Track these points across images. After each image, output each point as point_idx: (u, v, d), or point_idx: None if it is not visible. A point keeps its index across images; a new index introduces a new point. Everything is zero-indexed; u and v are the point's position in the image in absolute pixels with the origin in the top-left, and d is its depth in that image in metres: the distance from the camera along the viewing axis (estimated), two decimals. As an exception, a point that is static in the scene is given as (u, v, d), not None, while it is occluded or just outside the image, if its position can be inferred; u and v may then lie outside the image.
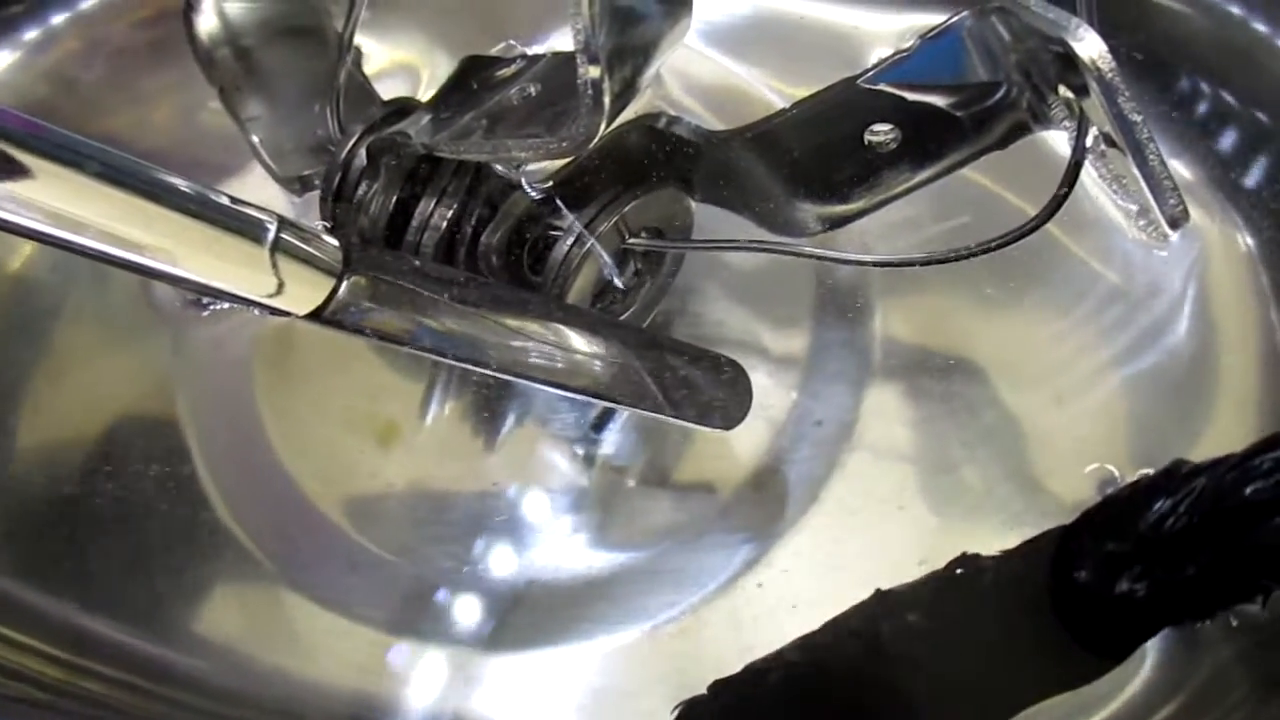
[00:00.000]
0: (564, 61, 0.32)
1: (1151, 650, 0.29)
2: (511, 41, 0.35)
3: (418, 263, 0.29)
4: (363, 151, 0.32)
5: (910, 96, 0.31)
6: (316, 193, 0.33)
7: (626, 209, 0.32)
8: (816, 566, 0.34)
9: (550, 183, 0.31)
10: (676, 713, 0.29)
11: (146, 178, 0.23)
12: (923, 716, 0.26)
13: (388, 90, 0.36)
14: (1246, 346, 0.35)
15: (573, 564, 0.35)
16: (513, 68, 0.33)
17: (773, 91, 0.41)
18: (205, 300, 0.37)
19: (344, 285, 0.28)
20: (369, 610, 0.34)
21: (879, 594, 0.28)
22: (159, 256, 0.23)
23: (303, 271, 0.27)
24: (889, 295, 0.38)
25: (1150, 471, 0.26)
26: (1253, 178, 0.38)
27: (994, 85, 0.30)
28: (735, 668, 0.31)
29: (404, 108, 0.33)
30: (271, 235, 0.25)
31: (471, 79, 0.33)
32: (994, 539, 0.33)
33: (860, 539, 0.35)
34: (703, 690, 0.30)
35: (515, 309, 0.29)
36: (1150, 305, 0.36)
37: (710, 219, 0.35)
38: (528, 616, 0.34)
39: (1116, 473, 0.30)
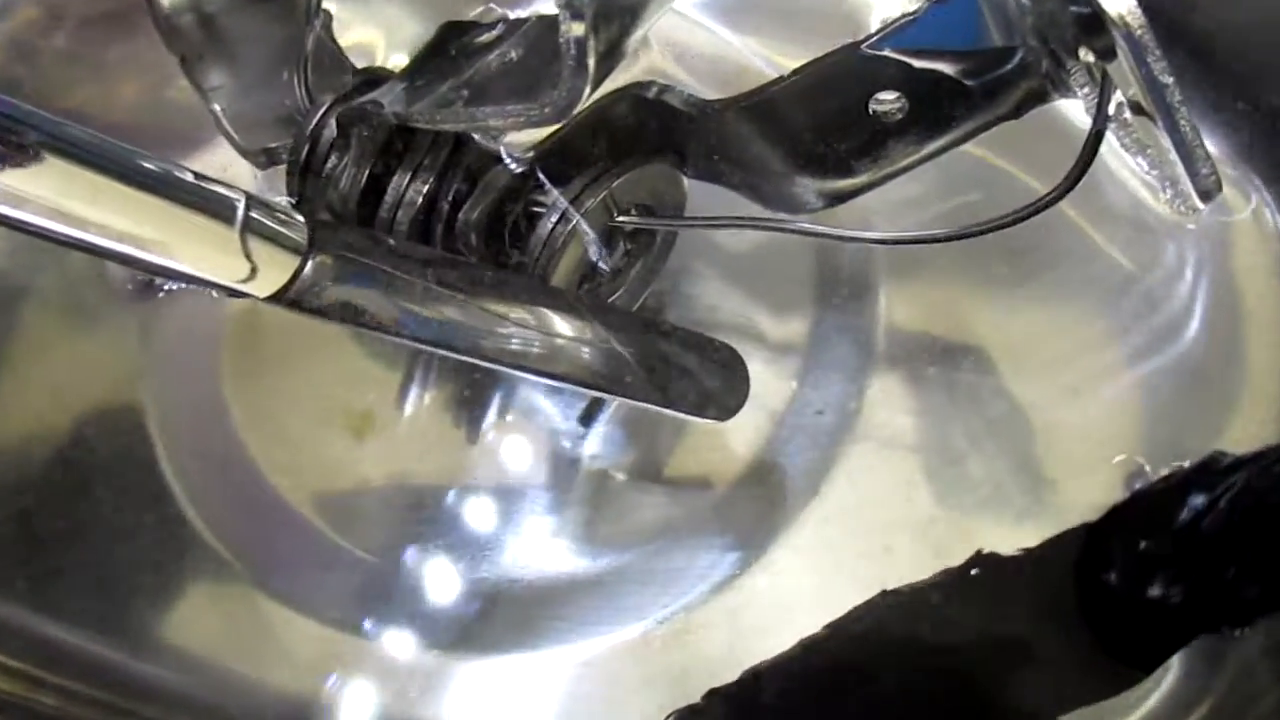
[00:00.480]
0: (548, 25, 0.30)
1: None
2: (492, 5, 0.33)
3: (391, 241, 0.28)
4: (333, 122, 0.31)
5: (918, 63, 0.29)
6: (283, 167, 0.31)
7: (615, 184, 0.30)
8: (816, 565, 0.33)
9: (532, 154, 0.29)
10: (669, 722, 0.27)
11: (105, 152, 0.22)
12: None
13: (360, 58, 0.34)
14: (1277, 335, 0.33)
15: (558, 563, 0.33)
16: (493, 33, 0.31)
17: (769, 62, 0.39)
18: (159, 281, 0.35)
19: (309, 265, 0.26)
20: (342, 612, 0.33)
21: (885, 595, 0.26)
22: (117, 237, 0.22)
23: (270, 251, 0.25)
24: (894, 277, 0.37)
25: (1185, 464, 0.24)
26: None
27: (1008, 51, 0.28)
28: (731, 673, 0.30)
29: (377, 76, 0.32)
30: (240, 214, 0.24)
31: (449, 45, 0.32)
32: (1006, 535, 0.32)
33: (863, 536, 0.33)
34: (697, 699, 0.28)
35: (496, 291, 0.28)
36: (1172, 287, 0.34)
37: (704, 195, 0.33)
38: (510, 618, 0.32)
39: (1147, 467, 0.28)
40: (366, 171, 0.30)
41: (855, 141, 0.30)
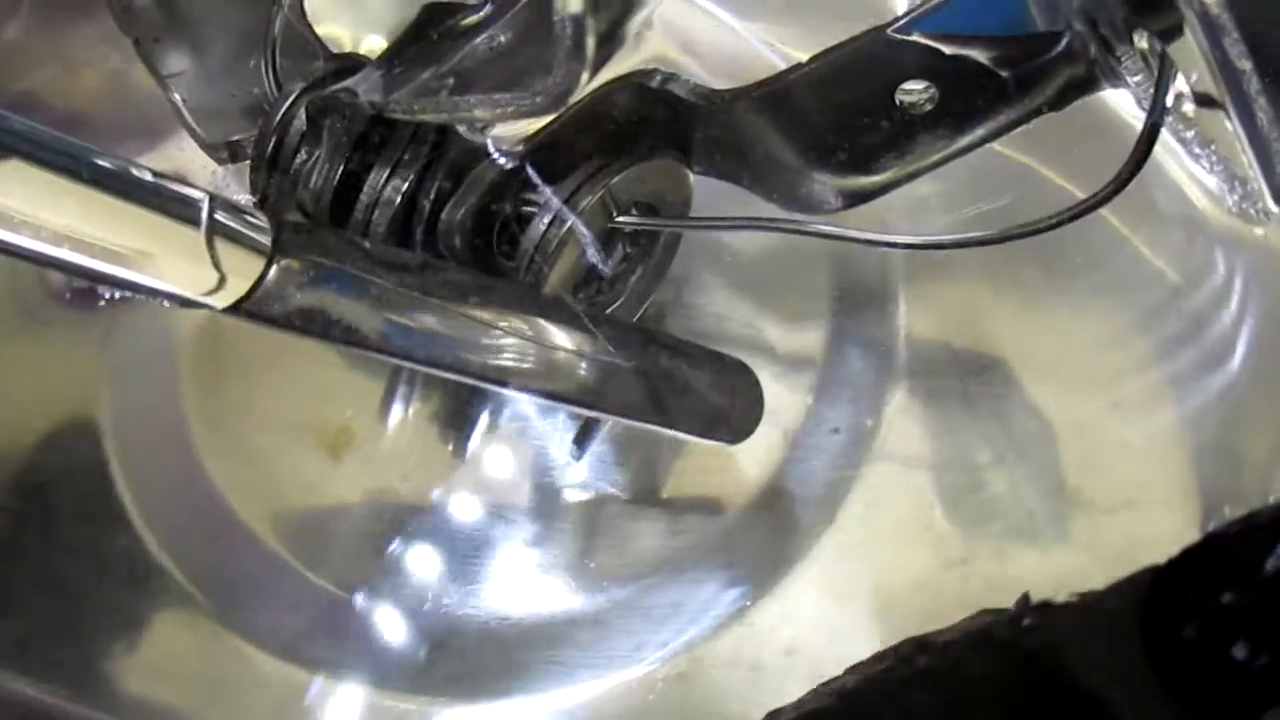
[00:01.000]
0: (541, 6, 0.28)
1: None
2: (479, -19, 0.31)
3: (367, 245, 0.26)
4: (302, 112, 0.28)
5: (949, 49, 0.26)
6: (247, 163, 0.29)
7: (614, 181, 0.28)
8: (832, 599, 0.31)
9: (522, 147, 0.26)
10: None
11: (56, 147, 0.20)
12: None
13: (334, 44, 0.31)
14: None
15: (551, 598, 0.31)
16: (480, 14, 0.29)
17: (780, 52, 0.37)
18: (100, 289, 0.32)
19: (273, 271, 0.24)
20: (311, 651, 0.30)
21: (917, 644, 0.24)
22: (68, 241, 0.20)
23: (237, 257, 0.23)
24: (916, 285, 0.34)
25: (1273, 499, 0.21)
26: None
27: (1053, 36, 0.26)
28: (739, 717, 0.28)
29: (352, 63, 0.30)
30: (205, 215, 0.22)
31: (431, 28, 0.29)
32: (1037, 568, 0.30)
33: (881, 567, 0.31)
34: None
35: (483, 299, 0.25)
36: (1224, 300, 0.32)
37: (711, 194, 0.31)
38: (499, 658, 0.30)
39: (1227, 511, 0.25)
40: (340, 167, 0.28)
41: (879, 135, 0.28)
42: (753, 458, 0.32)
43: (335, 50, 0.31)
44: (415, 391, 0.33)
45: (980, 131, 0.27)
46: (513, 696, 0.29)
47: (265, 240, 0.24)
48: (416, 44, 0.29)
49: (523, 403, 0.33)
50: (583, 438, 0.32)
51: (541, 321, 0.26)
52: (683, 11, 0.37)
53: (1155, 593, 0.21)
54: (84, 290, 0.32)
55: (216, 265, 0.22)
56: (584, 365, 0.26)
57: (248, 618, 0.31)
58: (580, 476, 0.32)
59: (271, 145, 0.28)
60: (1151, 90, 0.24)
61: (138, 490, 0.32)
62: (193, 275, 0.22)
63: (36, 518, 0.31)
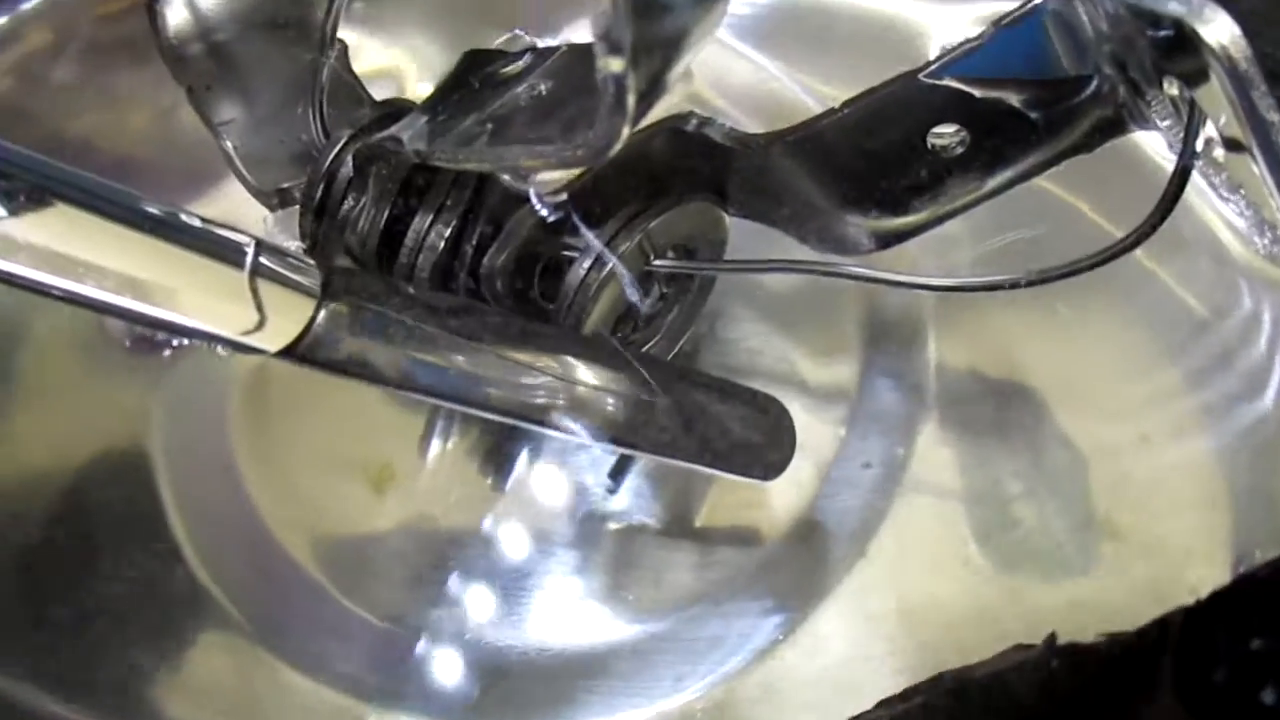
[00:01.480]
0: (579, 55, 0.28)
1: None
2: (519, 32, 0.31)
3: (410, 289, 0.26)
4: (349, 159, 0.29)
5: (980, 93, 0.27)
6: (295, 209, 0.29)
7: (652, 225, 0.28)
8: (865, 631, 0.30)
9: (564, 195, 0.26)
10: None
11: (108, 196, 0.21)
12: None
13: (379, 90, 0.32)
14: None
15: (588, 629, 0.31)
16: (520, 63, 0.29)
17: (813, 93, 0.37)
18: (162, 338, 0.33)
19: (323, 315, 0.24)
20: (357, 681, 0.30)
21: (948, 679, 0.24)
22: (118, 286, 0.21)
23: (281, 301, 0.23)
24: (946, 319, 0.34)
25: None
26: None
27: (1082, 80, 0.26)
28: None
29: (397, 109, 0.30)
30: (250, 258, 0.23)
31: (473, 76, 0.30)
32: (1068, 604, 0.30)
33: (914, 600, 0.31)
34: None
35: (526, 341, 0.26)
36: (1253, 337, 0.32)
37: (745, 233, 0.31)
38: (537, 689, 0.30)
39: (1257, 553, 0.25)
40: (385, 213, 0.28)
41: (912, 178, 0.28)
42: (785, 491, 0.32)
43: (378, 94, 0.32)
44: (454, 427, 0.34)
45: (1011, 173, 0.28)
46: (553, 727, 0.30)
47: (315, 285, 0.24)
48: (458, 91, 0.29)
49: (559, 438, 0.33)
50: (618, 472, 0.32)
51: (583, 362, 0.26)
52: (714, 51, 0.37)
53: (1185, 635, 0.21)
54: (143, 338, 0.33)
55: (260, 309, 0.23)
56: (623, 404, 0.27)
57: (292, 647, 0.31)
58: (616, 509, 0.32)
59: (320, 192, 0.29)
60: (1181, 134, 0.25)
61: (188, 523, 0.32)
62: (239, 318, 0.23)
63: (88, 547, 0.32)
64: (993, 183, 0.28)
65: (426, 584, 0.31)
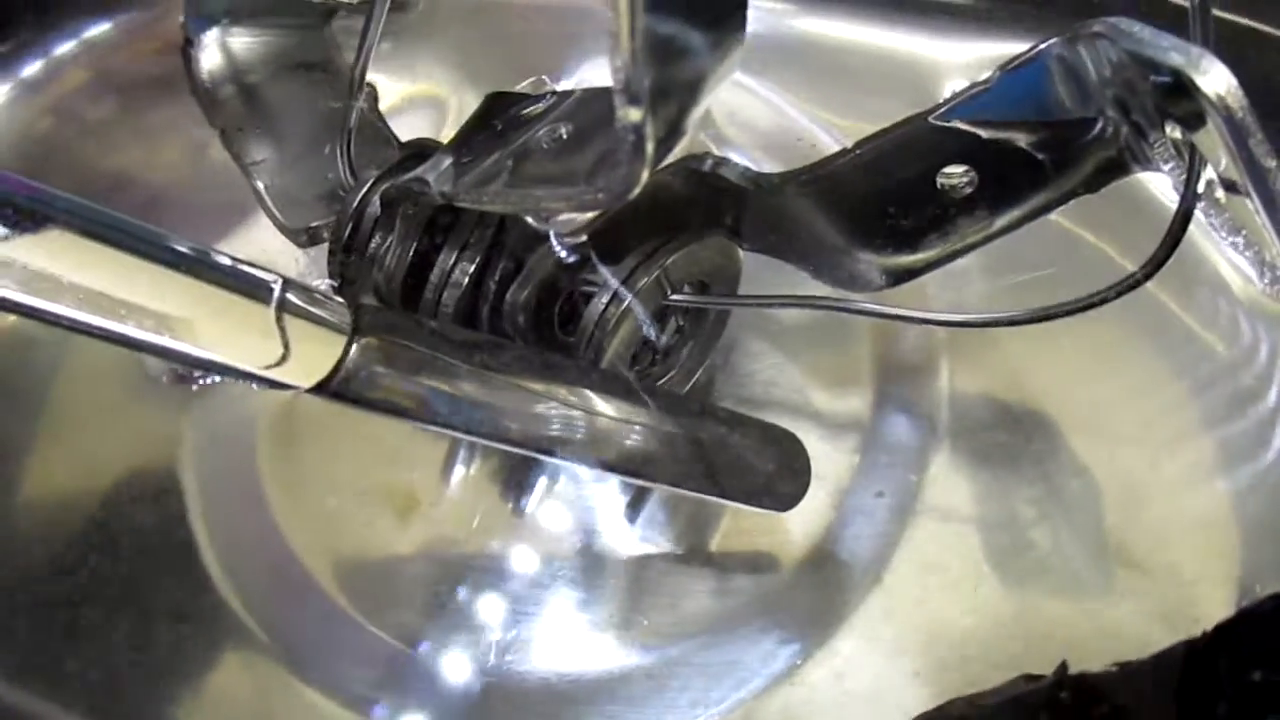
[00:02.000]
0: (598, 98, 0.29)
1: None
2: (542, 77, 0.32)
3: (435, 325, 0.27)
4: (376, 199, 0.30)
5: (988, 135, 0.27)
6: (325, 246, 0.30)
7: (669, 261, 0.29)
8: (880, 658, 0.31)
9: (583, 238, 0.27)
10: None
11: (135, 234, 0.21)
12: None
13: (405, 131, 0.33)
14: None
15: (606, 655, 0.31)
16: (541, 105, 0.30)
17: (827, 129, 0.38)
18: (196, 374, 0.34)
19: (353, 351, 0.25)
20: (375, 702, 0.31)
21: (961, 705, 0.24)
22: (150, 324, 0.21)
23: (310, 338, 0.24)
24: (958, 351, 0.35)
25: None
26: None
27: (1086, 122, 0.27)
28: None
29: (422, 150, 0.31)
30: (277, 295, 0.23)
31: (496, 118, 0.30)
32: (1086, 633, 0.30)
33: (928, 627, 0.31)
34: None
35: (547, 376, 0.27)
36: (1269, 375, 0.32)
37: (759, 268, 0.32)
38: (553, 714, 0.31)
39: (1258, 587, 0.26)
40: (412, 250, 0.29)
41: (922, 217, 0.28)
42: (800, 520, 0.32)
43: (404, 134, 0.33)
44: (476, 455, 0.35)
45: (1018, 212, 0.28)
46: (571, 752, 0.30)
47: (344, 322, 0.25)
48: (482, 133, 0.30)
49: (577, 468, 0.34)
50: (636, 501, 0.33)
51: (602, 396, 0.27)
52: (734, 93, 0.38)
53: (1189, 668, 0.22)
54: (180, 375, 0.34)
55: (286, 344, 0.23)
56: (641, 437, 0.27)
57: (316, 668, 0.31)
58: (633, 536, 0.33)
59: (348, 231, 0.29)
60: (1184, 176, 0.25)
61: (217, 547, 0.33)
62: (266, 353, 0.23)
63: (120, 572, 0.33)
64: (1000, 221, 0.28)
65: (446, 608, 0.32)
